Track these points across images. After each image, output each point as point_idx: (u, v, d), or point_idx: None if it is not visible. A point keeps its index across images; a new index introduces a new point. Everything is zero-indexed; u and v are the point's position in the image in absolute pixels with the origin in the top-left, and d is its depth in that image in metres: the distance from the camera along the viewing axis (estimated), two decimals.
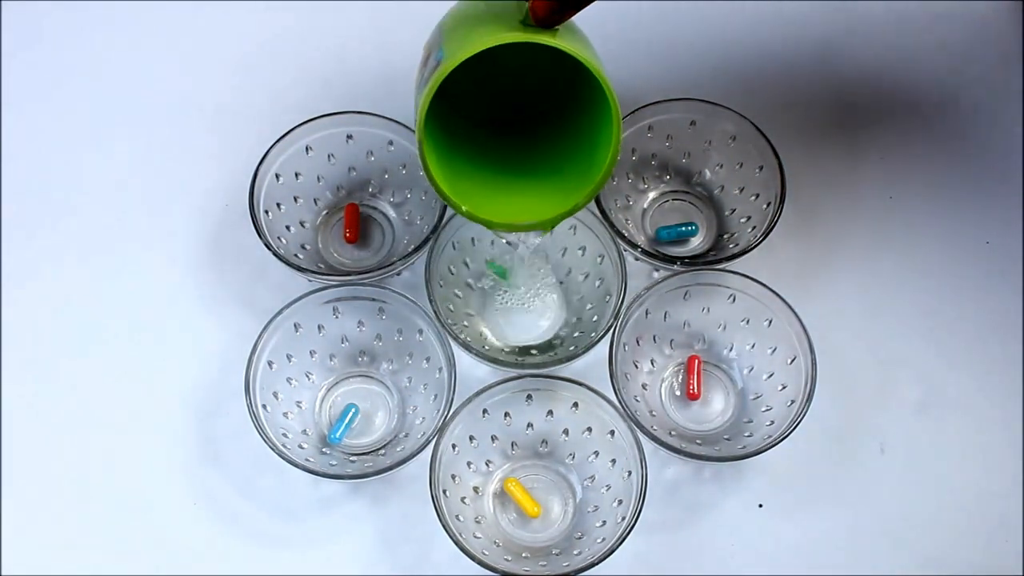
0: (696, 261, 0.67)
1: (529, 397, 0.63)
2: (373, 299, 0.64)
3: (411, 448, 0.60)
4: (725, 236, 0.69)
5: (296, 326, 0.64)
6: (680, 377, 0.67)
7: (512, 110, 0.61)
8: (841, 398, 0.66)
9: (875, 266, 0.70)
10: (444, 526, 0.58)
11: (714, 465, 0.65)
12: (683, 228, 0.69)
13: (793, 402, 0.62)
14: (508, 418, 0.64)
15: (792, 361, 0.63)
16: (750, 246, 0.65)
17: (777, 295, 0.64)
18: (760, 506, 0.65)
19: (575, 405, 0.63)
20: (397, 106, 0.70)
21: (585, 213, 0.65)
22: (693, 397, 0.66)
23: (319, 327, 0.65)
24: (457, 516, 0.60)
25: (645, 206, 0.71)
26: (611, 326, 0.62)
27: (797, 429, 0.61)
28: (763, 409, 0.64)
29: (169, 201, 0.71)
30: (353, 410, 0.65)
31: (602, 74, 0.50)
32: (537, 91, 0.61)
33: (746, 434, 0.64)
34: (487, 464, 0.64)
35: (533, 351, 0.66)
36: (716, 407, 0.66)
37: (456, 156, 0.56)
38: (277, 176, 0.67)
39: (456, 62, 0.49)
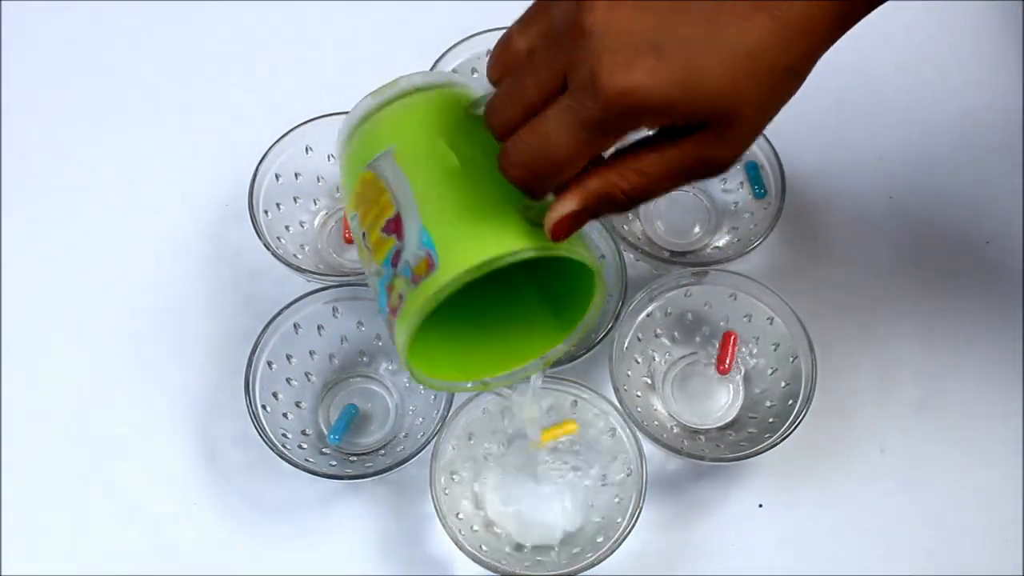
0: (696, 261, 0.67)
1: None
2: (373, 299, 0.64)
3: (411, 448, 0.60)
4: (726, 231, 0.69)
5: (296, 326, 0.64)
6: (680, 376, 0.67)
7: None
8: (841, 398, 0.66)
9: (875, 266, 0.70)
10: (444, 526, 0.58)
11: (714, 465, 0.65)
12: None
13: (793, 402, 0.62)
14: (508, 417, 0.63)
15: (792, 361, 0.63)
16: (750, 246, 0.65)
17: (777, 295, 0.64)
18: (760, 506, 0.65)
19: (575, 404, 0.63)
20: None
21: None
22: (723, 372, 0.66)
23: (319, 327, 0.65)
24: (457, 515, 0.60)
25: (645, 205, 0.70)
26: (611, 326, 0.62)
27: (797, 429, 0.61)
28: (764, 409, 0.64)
29: (168, 201, 0.71)
30: (353, 410, 0.65)
31: (600, 275, 0.46)
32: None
33: (746, 434, 0.64)
34: (487, 463, 0.64)
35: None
36: (717, 406, 0.66)
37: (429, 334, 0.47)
38: (277, 176, 0.67)
39: (463, 279, 0.41)
